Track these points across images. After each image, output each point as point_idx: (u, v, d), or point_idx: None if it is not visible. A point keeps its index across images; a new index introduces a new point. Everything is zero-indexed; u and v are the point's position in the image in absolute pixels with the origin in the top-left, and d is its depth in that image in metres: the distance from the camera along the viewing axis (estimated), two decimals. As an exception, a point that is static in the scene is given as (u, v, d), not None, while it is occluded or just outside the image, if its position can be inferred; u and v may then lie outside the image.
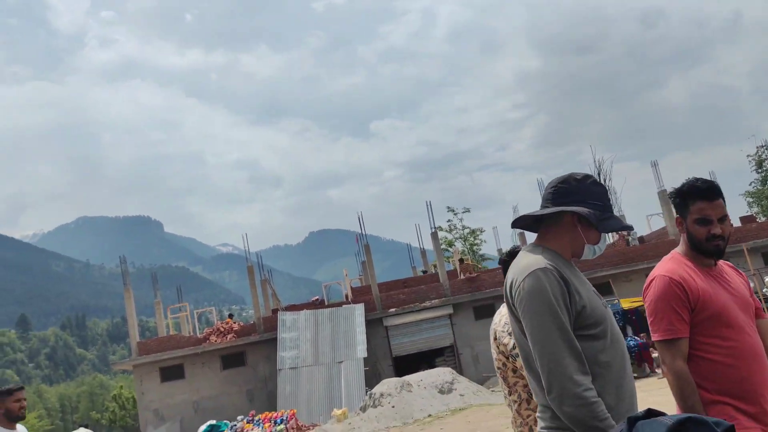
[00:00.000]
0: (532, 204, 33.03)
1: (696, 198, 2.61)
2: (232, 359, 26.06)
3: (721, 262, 2.76)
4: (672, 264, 2.67)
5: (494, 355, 3.77)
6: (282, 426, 10.15)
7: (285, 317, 25.13)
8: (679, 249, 2.73)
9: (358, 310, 25.15)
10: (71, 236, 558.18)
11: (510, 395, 3.69)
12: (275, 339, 24.55)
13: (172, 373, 25.84)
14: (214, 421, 11.63)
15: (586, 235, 2.35)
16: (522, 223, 2.48)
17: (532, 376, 2.28)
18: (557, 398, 2.10)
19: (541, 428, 2.28)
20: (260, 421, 10.63)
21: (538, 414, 2.32)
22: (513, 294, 2.27)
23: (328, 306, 26.84)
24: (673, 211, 2.77)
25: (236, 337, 25.96)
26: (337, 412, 18.45)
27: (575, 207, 2.31)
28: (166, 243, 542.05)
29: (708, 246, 2.61)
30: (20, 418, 4.31)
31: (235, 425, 10.79)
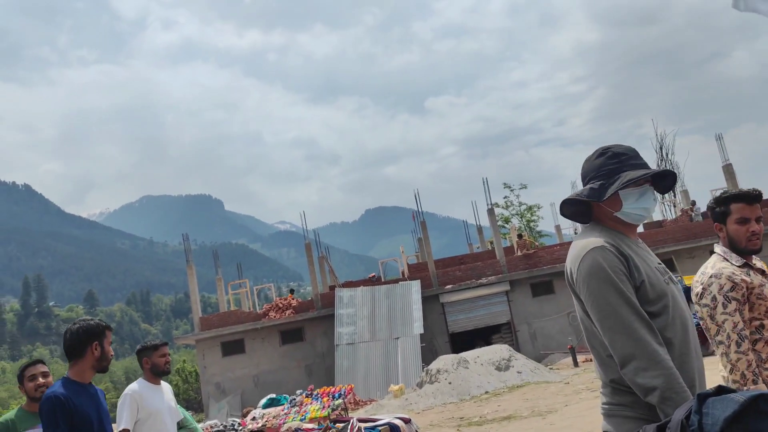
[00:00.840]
0: (592, 179, 32.14)
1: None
2: (290, 335, 26.64)
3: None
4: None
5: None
6: (340, 400, 10.31)
7: (342, 293, 25.44)
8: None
9: (415, 287, 25.23)
10: (136, 215, 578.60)
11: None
12: (332, 315, 24.93)
13: (232, 347, 26.63)
14: (273, 395, 11.93)
15: (612, 207, 2.32)
16: (569, 212, 2.47)
17: (595, 354, 2.28)
18: (634, 369, 2.07)
19: (603, 405, 2.27)
20: (318, 395, 10.82)
21: (600, 391, 2.31)
22: (574, 277, 2.26)
23: (385, 282, 27.03)
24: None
25: (294, 313, 26.49)
26: (394, 387, 18.65)
27: (582, 190, 2.36)
28: (226, 221, 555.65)
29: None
30: (165, 373, 4.35)
31: (294, 399, 11.03)
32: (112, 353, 3.47)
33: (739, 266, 3.02)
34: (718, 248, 3.17)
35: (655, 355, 2.05)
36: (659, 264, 2.35)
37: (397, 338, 23.72)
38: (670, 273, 2.37)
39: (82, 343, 3.26)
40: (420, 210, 28.73)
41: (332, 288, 27.70)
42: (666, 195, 40.20)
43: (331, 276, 31.44)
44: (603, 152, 2.37)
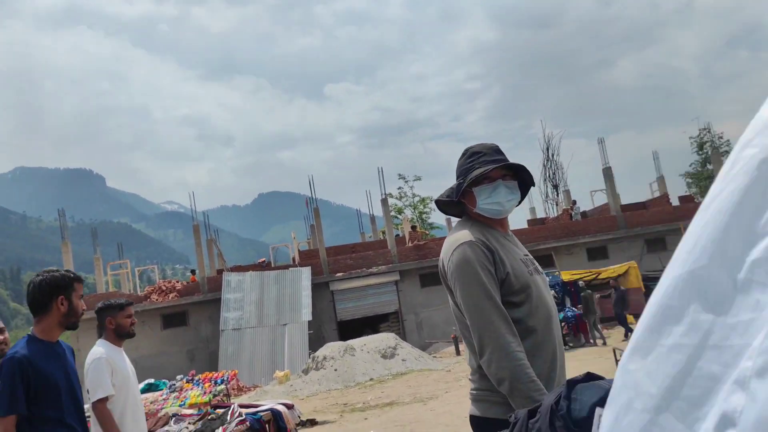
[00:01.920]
0: (482, 175, 33.26)
1: None
2: (173, 318, 25.68)
3: None
4: None
5: None
6: (222, 386, 10.07)
7: (230, 278, 24.85)
8: None
9: (305, 273, 25.08)
10: (8, 186, 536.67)
11: None
12: (219, 299, 24.30)
13: (111, 330, 25.31)
14: (152, 380, 11.45)
15: (471, 204, 2.44)
16: (447, 210, 2.60)
17: (466, 342, 2.39)
18: (488, 360, 2.20)
19: (471, 390, 2.39)
20: (200, 380, 10.51)
21: (469, 377, 2.43)
22: (445, 269, 2.38)
23: (275, 268, 26.67)
24: None
25: (178, 296, 25.57)
26: (279, 373, 18.48)
27: (446, 190, 2.53)
28: (108, 198, 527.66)
29: None
30: (130, 336, 4.04)
31: (174, 384, 10.65)
32: (84, 307, 3.18)
33: None
34: None
35: (506, 347, 2.16)
36: (525, 255, 2.48)
37: (285, 324, 23.50)
38: (536, 264, 2.51)
39: (45, 296, 2.95)
40: (314, 196, 28.56)
41: (220, 272, 26.99)
42: (550, 194, 42.07)
43: (219, 260, 30.63)
44: (465, 152, 2.49)
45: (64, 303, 3.01)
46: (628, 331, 17.33)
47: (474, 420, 2.36)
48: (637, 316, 22.17)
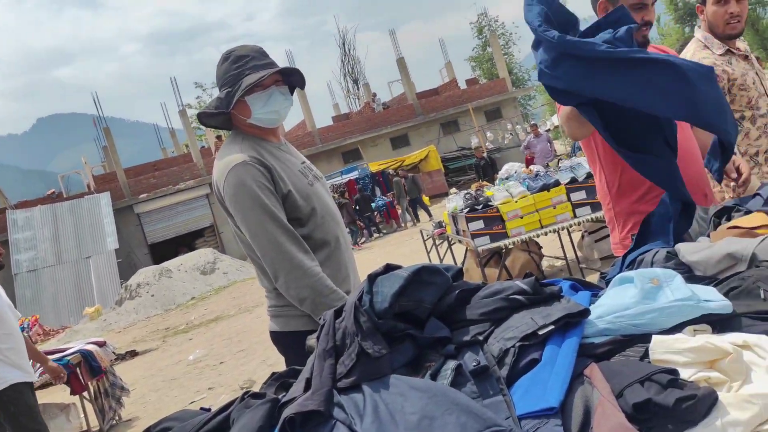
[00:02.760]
0: (281, 75, 32.65)
1: None
2: (-46, 270, 22.73)
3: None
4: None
5: None
6: (25, 334, 9.20)
7: (16, 216, 22.39)
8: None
9: (104, 200, 23.33)
10: None
11: None
12: (6, 242, 21.84)
13: None
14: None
15: (244, 115, 2.24)
16: (212, 122, 2.37)
17: (255, 265, 2.29)
18: (285, 283, 2.13)
19: (269, 307, 2.32)
20: (-4, 333, 9.49)
21: (265, 295, 2.34)
22: (222, 193, 2.22)
23: (68, 198, 24.47)
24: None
25: (-44, 244, 22.57)
26: (89, 310, 17.38)
27: (212, 101, 2.29)
28: None
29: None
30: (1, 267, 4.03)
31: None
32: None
33: (720, 54, 2.77)
34: (699, 33, 2.86)
35: (301, 266, 2.11)
36: (303, 164, 2.36)
37: (89, 257, 21.89)
38: (315, 170, 2.41)
39: None
40: (102, 115, 26.18)
41: (2, 211, 24.11)
42: (351, 89, 42.57)
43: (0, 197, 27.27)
44: (226, 57, 2.25)
45: None
46: (427, 211, 18.56)
47: (275, 335, 2.33)
48: (436, 197, 23.79)
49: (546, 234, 5.53)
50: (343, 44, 40.28)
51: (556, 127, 24.28)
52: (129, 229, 24.09)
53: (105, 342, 6.46)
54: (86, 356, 5.70)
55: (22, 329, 9.76)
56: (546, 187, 5.50)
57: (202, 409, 1.62)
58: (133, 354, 10.51)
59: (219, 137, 29.78)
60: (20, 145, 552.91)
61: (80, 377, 5.66)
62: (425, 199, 19.25)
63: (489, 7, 57.47)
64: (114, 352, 6.79)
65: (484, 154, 17.40)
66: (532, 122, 17.92)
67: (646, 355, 1.15)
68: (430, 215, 18.60)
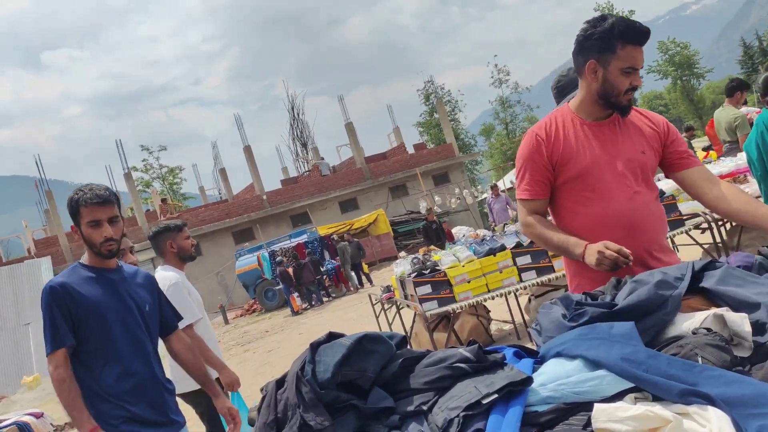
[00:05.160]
0: (234, 139, 32.65)
1: (629, 41, 2.07)
2: None
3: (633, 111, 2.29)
4: (546, 119, 2.31)
5: None
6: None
7: (-55, 282, 21.26)
8: (573, 101, 2.29)
9: (45, 264, 22.43)
10: None
11: None
12: (-66, 309, 20.68)
13: None
14: None
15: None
16: None
17: None
18: None
19: None
20: None
21: None
22: None
23: (7, 263, 23.49)
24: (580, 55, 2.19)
25: None
26: (27, 379, 16.43)
27: None
28: None
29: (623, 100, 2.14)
30: (192, 258, 3.78)
31: None
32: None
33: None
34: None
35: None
36: None
37: (28, 324, 20.84)
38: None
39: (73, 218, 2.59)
40: (44, 178, 25.50)
41: (-68, 277, 22.91)
42: (300, 153, 42.77)
43: (-71, 263, 25.97)
44: None
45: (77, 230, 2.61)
46: (367, 278, 18.67)
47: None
48: (385, 260, 23.79)
49: (493, 298, 5.56)
50: (292, 108, 40.80)
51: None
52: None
53: (42, 413, 6.16)
54: (22, 428, 5.40)
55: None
56: (492, 252, 5.57)
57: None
58: (71, 425, 9.94)
59: (164, 200, 29.37)
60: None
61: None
62: (364, 266, 19.22)
63: (435, 75, 59.42)
64: (52, 424, 6.45)
65: (435, 218, 17.62)
66: (493, 183, 18.52)
67: (588, 423, 1.15)
68: (370, 281, 18.57)
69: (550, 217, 2.34)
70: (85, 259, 2.60)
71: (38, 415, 6.18)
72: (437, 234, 16.11)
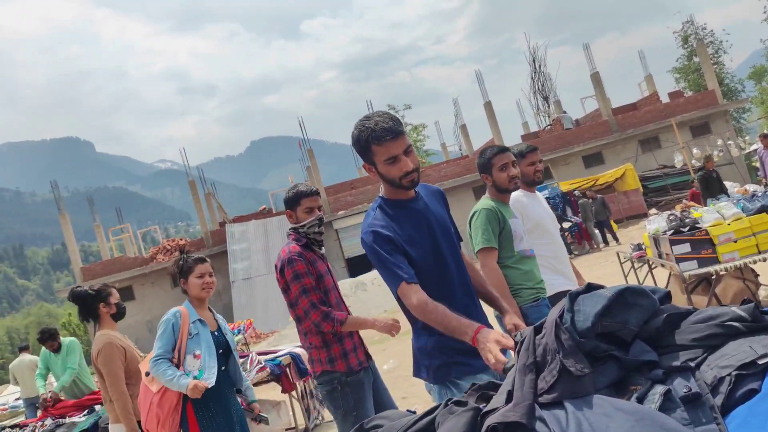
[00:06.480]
0: (474, 96, 32.95)
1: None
2: (183, 275, 25.92)
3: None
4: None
5: None
6: (240, 336, 10.26)
7: (233, 229, 24.94)
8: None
9: (305, 215, 25.13)
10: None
11: None
12: (225, 252, 24.46)
13: (121, 295, 25.54)
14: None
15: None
16: None
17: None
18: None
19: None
20: (217, 333, 10.67)
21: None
22: None
23: (277, 214, 26.73)
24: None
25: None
26: (294, 316, 18.75)
27: None
28: (99, 163, 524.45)
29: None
30: (537, 182, 3.98)
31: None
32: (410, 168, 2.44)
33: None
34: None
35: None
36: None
37: (294, 267, 23.71)
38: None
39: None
40: (306, 138, 28.32)
41: (222, 224, 27.07)
42: (540, 107, 41.68)
43: (220, 212, 30.65)
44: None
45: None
46: (613, 236, 17.80)
47: None
48: (633, 217, 22.31)
49: (765, 260, 4.99)
50: (533, 61, 39.63)
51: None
52: (329, 243, 25.75)
53: (308, 347, 6.91)
54: (295, 358, 6.10)
55: (239, 331, 10.86)
56: (765, 209, 4.98)
57: (408, 411, 1.74)
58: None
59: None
60: (237, 165, 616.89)
61: (290, 377, 6.03)
62: (612, 224, 18.26)
63: (695, 14, 53.04)
64: (316, 357, 7.22)
65: (714, 167, 15.57)
66: (764, 132, 15.98)
67: None
68: (616, 240, 17.66)
69: None
70: (384, 192, 2.55)
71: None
72: (719, 184, 14.13)
